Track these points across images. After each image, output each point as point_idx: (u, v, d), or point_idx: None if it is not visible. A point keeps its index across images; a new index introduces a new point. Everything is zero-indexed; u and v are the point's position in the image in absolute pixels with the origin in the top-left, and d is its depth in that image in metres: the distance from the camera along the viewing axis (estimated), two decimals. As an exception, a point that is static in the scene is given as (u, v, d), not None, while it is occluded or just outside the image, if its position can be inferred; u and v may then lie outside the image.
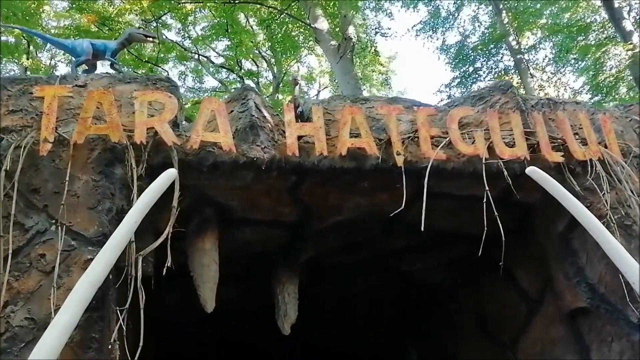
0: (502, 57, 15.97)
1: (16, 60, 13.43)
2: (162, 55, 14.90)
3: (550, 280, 3.51)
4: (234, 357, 6.01)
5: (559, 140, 3.26)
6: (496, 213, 2.95)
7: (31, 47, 13.76)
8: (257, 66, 17.45)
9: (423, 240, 4.02)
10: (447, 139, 3.08)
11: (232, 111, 3.03)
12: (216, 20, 14.71)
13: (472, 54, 15.94)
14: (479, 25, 16.57)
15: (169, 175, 2.60)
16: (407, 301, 5.25)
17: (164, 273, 2.55)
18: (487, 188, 2.98)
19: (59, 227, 2.48)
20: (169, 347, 4.98)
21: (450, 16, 16.59)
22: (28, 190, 2.59)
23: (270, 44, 15.31)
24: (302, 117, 3.13)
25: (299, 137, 2.98)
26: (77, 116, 2.76)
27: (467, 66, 15.86)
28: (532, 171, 2.98)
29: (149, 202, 2.51)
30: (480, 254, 4.01)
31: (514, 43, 15.17)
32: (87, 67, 3.54)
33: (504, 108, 3.33)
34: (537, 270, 3.65)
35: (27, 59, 13.45)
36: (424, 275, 4.68)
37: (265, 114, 3.05)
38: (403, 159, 3.00)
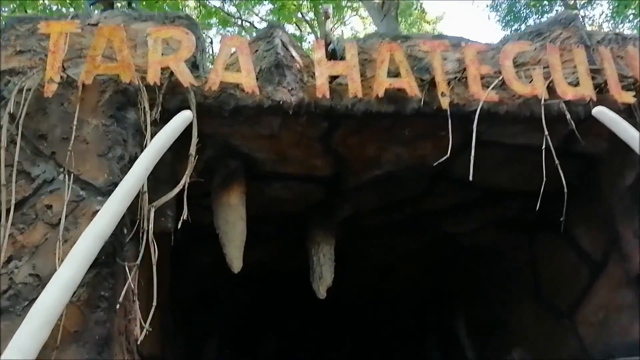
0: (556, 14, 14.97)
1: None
2: (205, 21, 14.64)
3: (616, 240, 3.09)
4: (268, 321, 5.83)
5: (630, 79, 2.80)
6: (557, 161, 2.54)
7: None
8: (300, 30, 16.98)
9: (470, 198, 3.65)
10: (500, 78, 2.68)
11: (256, 51, 2.71)
12: (259, -17, 14.31)
13: (524, 10, 15.01)
14: (532, -20, 15.55)
15: (184, 117, 2.32)
16: (453, 265, 4.89)
17: (178, 226, 2.29)
18: (546, 132, 2.57)
19: (67, 176, 2.24)
20: (201, 311, 4.81)
21: (502, -29, 15.60)
22: (35, 136, 2.36)
23: (313, 5, 14.81)
24: (335, 56, 2.78)
25: (331, 79, 2.64)
26: (88, 57, 2.49)
27: (519, 24, 14.95)
28: (600, 112, 2.56)
29: (162, 148, 2.24)
30: (535, 212, 3.63)
31: (569, -2, 14.18)
32: (103, 7, 3.28)
33: (565, 44, 2.89)
34: (601, 229, 3.22)
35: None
36: (471, 238, 4.31)
37: (294, 53, 2.71)
38: (449, 101, 2.62)
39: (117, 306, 2.06)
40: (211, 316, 5.27)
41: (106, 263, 2.13)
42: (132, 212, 2.30)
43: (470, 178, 2.48)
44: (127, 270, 2.10)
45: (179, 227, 2.29)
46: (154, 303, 2.17)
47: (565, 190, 2.63)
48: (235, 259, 2.91)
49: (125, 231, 2.29)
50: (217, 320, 5.41)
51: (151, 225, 2.17)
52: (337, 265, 3.56)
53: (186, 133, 2.45)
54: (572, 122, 2.62)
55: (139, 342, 2.20)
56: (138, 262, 2.14)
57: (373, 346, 6.85)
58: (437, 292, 5.29)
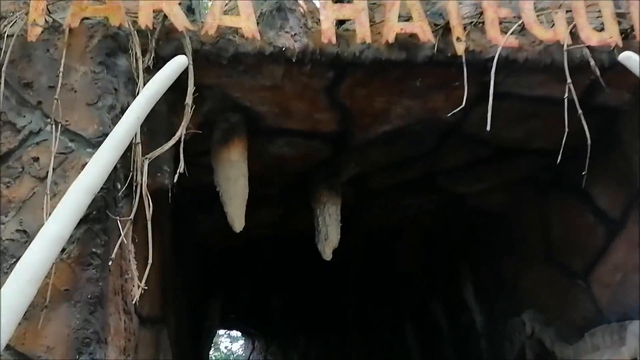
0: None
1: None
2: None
3: (636, 197, 2.93)
4: (276, 285, 5.75)
5: (658, 24, 2.59)
6: (580, 111, 2.36)
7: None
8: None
9: (482, 155, 3.48)
10: (520, 23, 2.47)
11: (257, -6, 2.51)
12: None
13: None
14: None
15: (179, 62, 2.14)
16: (460, 229, 4.76)
17: (175, 180, 2.13)
18: (569, 80, 2.38)
19: (54, 127, 2.08)
20: (205, 273, 4.72)
21: None
22: (20, 84, 2.18)
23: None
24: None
25: (338, 24, 2.45)
26: (76, 1, 2.30)
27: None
28: (627, 57, 2.37)
29: (155, 95, 2.07)
30: (548, 170, 3.46)
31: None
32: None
33: (589, -13, 2.67)
34: (620, 187, 3.06)
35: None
36: (480, 199, 4.16)
37: (297, -4, 2.51)
38: (464, 46, 2.42)
39: (110, 263, 1.92)
40: (215, 279, 5.18)
41: (98, 219, 1.99)
42: (126, 167, 2.15)
43: (488, 127, 2.31)
44: (120, 226, 1.95)
45: (175, 181, 2.13)
46: (150, 261, 2.03)
47: (580, 148, 2.46)
48: (237, 218, 2.76)
49: (119, 186, 2.14)
50: (221, 283, 5.33)
51: (144, 178, 2.01)
52: (342, 227, 3.42)
53: (183, 83, 2.27)
54: (597, 69, 2.43)
55: (134, 302, 2.08)
56: (132, 217, 1.99)
57: (375, 309, 6.78)
58: (443, 256, 5.17)
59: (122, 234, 1.94)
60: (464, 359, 5.27)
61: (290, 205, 4.07)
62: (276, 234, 4.71)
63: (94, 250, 1.96)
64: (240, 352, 13.57)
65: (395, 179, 3.77)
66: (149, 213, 2.01)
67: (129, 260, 2.23)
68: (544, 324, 3.81)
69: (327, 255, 3.33)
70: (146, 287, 2.01)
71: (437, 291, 5.53)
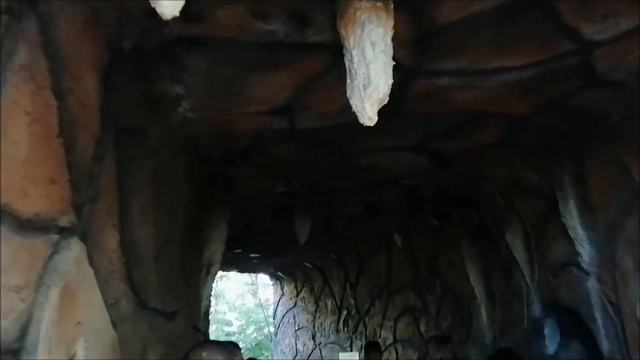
0: None
1: None
2: None
3: None
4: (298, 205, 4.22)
5: None
6: None
7: None
8: None
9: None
10: None
11: None
12: None
13: None
14: None
15: None
16: (567, 117, 3.09)
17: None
18: None
19: None
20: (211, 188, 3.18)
21: None
22: None
23: None
24: None
25: None
26: None
27: None
28: None
29: None
30: None
31: None
32: None
33: None
34: None
35: None
36: (614, 55, 2.48)
37: None
38: None
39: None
40: (218, 194, 3.70)
41: None
42: None
43: None
44: None
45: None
46: None
47: None
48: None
49: None
50: (226, 203, 3.84)
51: None
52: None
53: None
54: None
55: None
56: None
57: (424, 234, 5.30)
58: (531, 158, 3.53)
59: None
60: (553, 308, 3.67)
61: (307, 64, 2.46)
62: (294, 127, 3.14)
63: None
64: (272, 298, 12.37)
65: (478, 6, 2.10)
66: None
67: None
68: None
69: (369, 116, 1.73)
70: None
71: (513, 211, 3.90)
